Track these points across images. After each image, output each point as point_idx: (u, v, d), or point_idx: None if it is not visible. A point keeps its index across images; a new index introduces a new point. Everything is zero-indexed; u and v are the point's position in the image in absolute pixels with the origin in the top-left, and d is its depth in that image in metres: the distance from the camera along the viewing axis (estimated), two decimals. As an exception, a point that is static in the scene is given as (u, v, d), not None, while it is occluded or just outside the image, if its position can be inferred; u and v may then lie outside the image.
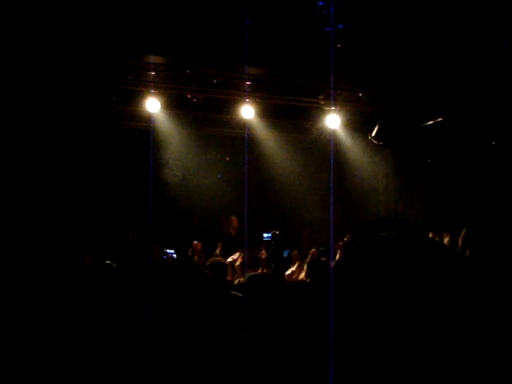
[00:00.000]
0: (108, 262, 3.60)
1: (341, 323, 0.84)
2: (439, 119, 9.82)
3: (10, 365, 1.92)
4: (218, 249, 8.92)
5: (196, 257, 8.10)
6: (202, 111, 10.42)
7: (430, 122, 9.99)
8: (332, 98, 9.91)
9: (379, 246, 0.87)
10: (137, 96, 9.48)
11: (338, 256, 6.56)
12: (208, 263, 6.06)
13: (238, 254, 8.25)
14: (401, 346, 0.79)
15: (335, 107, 10.29)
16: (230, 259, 7.59)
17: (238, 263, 7.42)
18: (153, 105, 9.27)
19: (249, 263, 6.88)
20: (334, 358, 0.84)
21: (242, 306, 2.97)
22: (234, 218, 10.91)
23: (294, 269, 7.00)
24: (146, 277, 1.50)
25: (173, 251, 9.35)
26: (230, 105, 10.16)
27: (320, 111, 10.63)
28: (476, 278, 0.83)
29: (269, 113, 10.66)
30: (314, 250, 7.52)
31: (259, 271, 6.78)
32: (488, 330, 0.81)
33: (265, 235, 8.25)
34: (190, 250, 8.71)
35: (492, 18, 7.58)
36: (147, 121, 9.79)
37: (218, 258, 6.88)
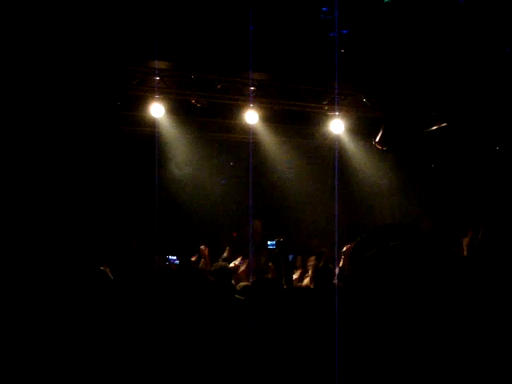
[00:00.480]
0: (102, 268, 3.60)
1: (356, 331, 0.83)
2: (443, 124, 9.81)
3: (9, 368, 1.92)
4: (226, 253, 8.89)
5: (202, 260, 8.06)
6: (206, 116, 10.43)
7: (434, 127, 9.99)
8: (336, 104, 9.91)
9: (394, 255, 0.86)
10: (141, 101, 9.49)
11: (341, 262, 6.53)
12: (213, 268, 6.06)
13: (239, 259, 8.25)
14: (415, 355, 0.78)
15: (339, 112, 10.29)
16: (232, 264, 7.57)
17: (242, 269, 7.41)
18: (157, 110, 9.28)
19: (253, 270, 6.85)
20: (343, 364, 0.84)
21: (245, 309, 2.97)
22: (257, 221, 10.72)
23: (296, 276, 6.99)
24: (150, 283, 1.51)
25: (175, 257, 9.31)
26: (234, 110, 10.17)
27: (324, 116, 10.62)
28: (491, 286, 0.83)
29: (273, 118, 10.67)
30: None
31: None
32: (507, 340, 0.80)
33: (269, 243, 8.18)
34: (196, 256, 8.62)
35: (495, 24, 7.59)
36: (152, 126, 9.80)
37: (223, 263, 6.87)
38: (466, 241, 4.12)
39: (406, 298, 0.80)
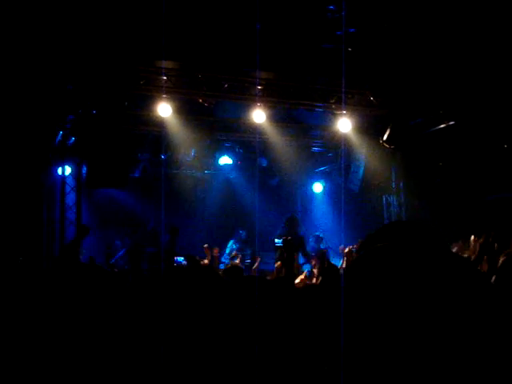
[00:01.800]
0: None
1: (348, 328, 0.85)
2: (451, 122, 9.78)
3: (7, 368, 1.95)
4: (234, 253, 8.93)
5: (207, 260, 8.07)
6: (213, 115, 10.45)
7: (442, 126, 9.95)
8: (343, 102, 9.89)
9: (377, 257, 0.88)
10: (149, 101, 9.52)
11: (344, 262, 6.54)
12: (225, 267, 6.09)
13: (238, 258, 8.38)
14: (409, 351, 0.80)
15: (346, 111, 10.28)
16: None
17: (255, 266, 7.49)
18: (165, 109, 9.31)
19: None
20: (344, 362, 0.86)
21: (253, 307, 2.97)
22: (295, 217, 10.76)
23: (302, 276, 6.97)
24: (161, 280, 1.52)
25: (182, 259, 9.32)
26: (241, 109, 10.17)
27: (331, 115, 10.61)
28: (487, 284, 0.83)
29: (280, 117, 10.67)
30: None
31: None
32: (500, 339, 0.81)
33: (276, 240, 8.25)
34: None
35: (503, 21, 7.56)
36: (159, 125, 9.82)
37: (234, 263, 6.91)
38: (479, 241, 4.10)
39: (390, 295, 0.82)
